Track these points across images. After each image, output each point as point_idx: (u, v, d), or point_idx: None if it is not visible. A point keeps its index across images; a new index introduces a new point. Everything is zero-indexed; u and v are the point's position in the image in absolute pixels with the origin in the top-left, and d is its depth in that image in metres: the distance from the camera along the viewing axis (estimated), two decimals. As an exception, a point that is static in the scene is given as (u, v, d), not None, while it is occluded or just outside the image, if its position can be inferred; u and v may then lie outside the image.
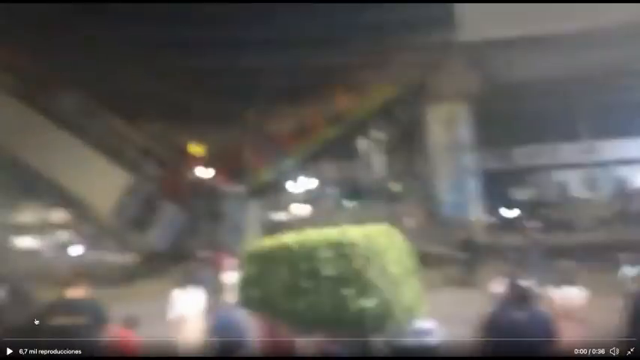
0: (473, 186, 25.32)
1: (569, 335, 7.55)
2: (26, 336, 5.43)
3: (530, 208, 30.35)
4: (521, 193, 36.21)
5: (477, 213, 25.17)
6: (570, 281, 8.22)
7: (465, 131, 25.20)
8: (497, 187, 29.32)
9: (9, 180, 23.05)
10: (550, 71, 23.73)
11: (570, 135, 31.81)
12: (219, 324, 6.73)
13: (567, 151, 33.92)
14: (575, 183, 36.74)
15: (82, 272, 5.97)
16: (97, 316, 5.42)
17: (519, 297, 5.18)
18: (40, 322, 5.35)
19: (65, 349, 5.08)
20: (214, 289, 15.55)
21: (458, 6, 21.99)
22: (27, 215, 36.93)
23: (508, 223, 26.43)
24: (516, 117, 28.00)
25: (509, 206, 31.61)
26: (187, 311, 8.60)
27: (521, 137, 30.89)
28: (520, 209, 31.22)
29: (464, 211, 24.44)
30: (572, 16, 21.04)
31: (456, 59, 23.63)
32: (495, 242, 21.66)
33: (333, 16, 20.81)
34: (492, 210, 28.71)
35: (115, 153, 21.24)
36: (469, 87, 24.23)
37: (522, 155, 33.70)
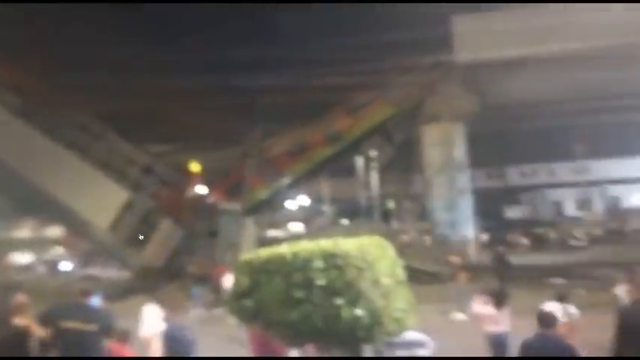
0: (467, 204, 25.47)
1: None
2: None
3: (523, 227, 30.50)
4: (515, 212, 36.41)
5: (471, 231, 25.28)
6: (562, 298, 8.35)
7: (460, 151, 25.44)
8: (491, 205, 29.51)
9: (11, 196, 23.15)
10: (545, 92, 24.10)
11: (564, 155, 32.13)
12: (170, 339, 6.93)
13: (561, 171, 34.23)
14: (568, 202, 36.99)
15: (93, 280, 6.34)
16: (105, 323, 5.72)
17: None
18: (51, 323, 5.54)
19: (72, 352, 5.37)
20: (209, 303, 15.69)
21: (455, 28, 22.39)
22: (25, 231, 37.04)
23: (501, 241, 26.56)
24: (511, 137, 28.31)
25: (503, 224, 31.77)
26: (156, 327, 8.57)
27: (515, 157, 31.21)
28: (514, 227, 31.41)
29: (458, 229, 24.55)
30: (568, 38, 21.44)
31: (452, 80, 23.97)
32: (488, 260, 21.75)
33: (333, 37, 21.17)
34: (487, 228, 28.84)
35: (116, 171, 21.43)
36: (465, 107, 24.54)
37: (516, 174, 33.99)
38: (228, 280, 14.86)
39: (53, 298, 7.27)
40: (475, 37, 22.16)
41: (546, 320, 5.30)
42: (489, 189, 30.73)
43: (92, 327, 5.56)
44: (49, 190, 20.43)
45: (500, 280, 15.62)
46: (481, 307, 8.24)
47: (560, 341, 5.20)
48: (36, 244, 37.09)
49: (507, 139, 27.92)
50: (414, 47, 21.27)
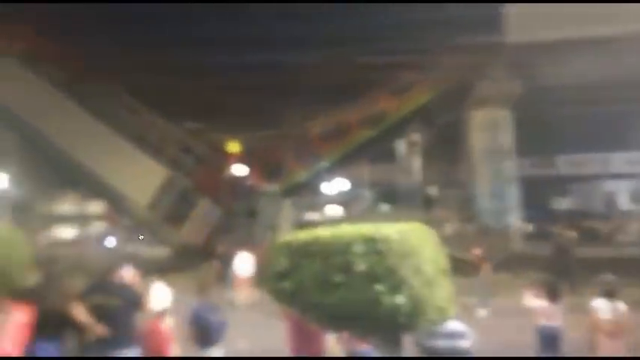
0: (513, 193, 24.76)
1: (606, 348, 7.36)
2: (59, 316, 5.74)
3: (572, 219, 29.49)
4: (564, 203, 35.29)
5: (516, 221, 24.60)
6: (611, 294, 8.00)
7: (506, 137, 24.66)
8: (538, 195, 28.67)
9: (52, 171, 23.86)
10: (599, 76, 22.93)
11: (619, 144, 30.78)
12: (197, 320, 6.84)
13: (616, 161, 32.82)
14: (622, 194, 35.58)
15: (123, 259, 6.56)
16: (131, 299, 5.85)
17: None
18: (84, 301, 5.71)
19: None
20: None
21: (504, 7, 21.60)
22: (66, 206, 38.22)
23: (548, 233, 25.75)
24: (562, 124, 27.31)
25: (550, 215, 30.83)
26: (163, 304, 8.53)
27: (566, 145, 30.12)
28: (561, 219, 30.40)
29: (503, 218, 23.94)
30: (623, 18, 20.39)
31: (500, 62, 23.19)
32: (533, 251, 21.16)
33: (375, 14, 20.72)
34: (532, 218, 28.05)
35: (155, 149, 21.70)
36: (513, 91, 23.72)
37: (566, 163, 32.83)
38: (244, 261, 14.87)
39: (91, 273, 7.40)
40: (527, 18, 21.29)
41: None
42: (537, 178, 29.80)
43: (116, 302, 5.68)
44: (90, 166, 20.90)
45: (563, 273, 15.11)
46: (533, 299, 8.01)
47: None
48: (78, 219, 38.25)
49: (558, 126, 26.90)
50: (463, 27, 20.61)
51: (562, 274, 15.20)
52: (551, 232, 24.33)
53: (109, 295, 5.73)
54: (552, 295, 7.77)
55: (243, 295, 14.60)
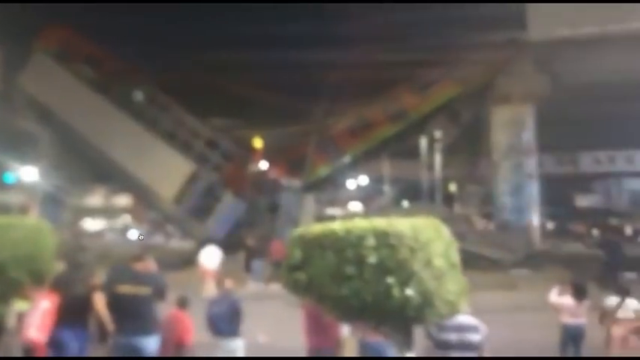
0: (534, 190, 24.53)
1: (629, 346, 7.39)
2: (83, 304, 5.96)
3: (595, 216, 29.08)
4: (587, 200, 34.75)
5: (536, 218, 24.38)
6: (626, 292, 8.04)
7: (529, 133, 24.44)
8: (560, 193, 28.30)
9: (85, 164, 24.39)
10: (623, 73, 22.60)
11: (642, 141, 30.24)
12: (210, 311, 6.99)
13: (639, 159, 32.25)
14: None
15: (148, 249, 6.73)
16: (158, 288, 5.96)
17: None
18: (107, 288, 5.85)
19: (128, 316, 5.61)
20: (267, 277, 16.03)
21: (527, 5, 21.37)
22: (96, 199, 39.00)
23: (569, 230, 25.51)
24: (586, 121, 26.91)
25: (573, 213, 30.43)
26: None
27: (590, 142, 29.65)
28: (583, 217, 30.00)
29: (523, 215, 23.75)
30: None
31: (524, 59, 22.96)
32: (553, 249, 20.94)
33: (398, 12, 20.71)
34: (554, 216, 27.76)
35: (183, 144, 22.03)
36: (537, 88, 23.47)
37: (590, 161, 32.33)
38: (210, 254, 14.95)
39: (115, 263, 7.62)
40: (551, 13, 21.04)
41: None
42: (560, 175, 29.37)
43: (145, 290, 5.82)
44: (118, 160, 21.32)
45: (614, 270, 15.11)
46: (559, 297, 8.01)
47: None
48: (106, 212, 39.09)
49: (582, 123, 26.47)
50: (485, 23, 20.45)
51: (615, 271, 15.13)
52: (573, 230, 24.16)
53: (139, 283, 5.85)
54: (579, 293, 7.76)
55: (210, 287, 13.82)
